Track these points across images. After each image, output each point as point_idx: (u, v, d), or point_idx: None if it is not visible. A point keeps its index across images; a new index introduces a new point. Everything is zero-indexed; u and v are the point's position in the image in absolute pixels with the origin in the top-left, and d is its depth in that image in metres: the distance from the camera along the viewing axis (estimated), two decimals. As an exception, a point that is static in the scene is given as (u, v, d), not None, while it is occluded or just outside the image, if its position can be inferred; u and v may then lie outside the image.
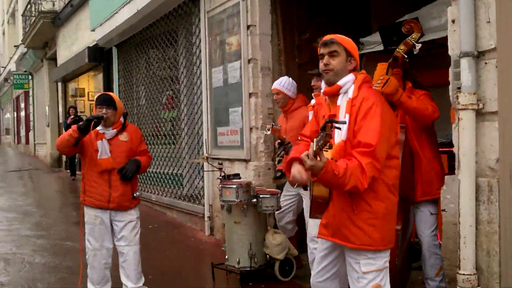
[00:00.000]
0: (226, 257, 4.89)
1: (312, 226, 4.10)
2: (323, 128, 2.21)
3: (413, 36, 3.55)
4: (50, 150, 18.39)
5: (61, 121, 16.72)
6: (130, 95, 10.55)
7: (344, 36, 2.76)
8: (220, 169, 5.16)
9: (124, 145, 4.02)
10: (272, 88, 5.00)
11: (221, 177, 5.07)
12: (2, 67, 30.75)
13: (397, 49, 3.57)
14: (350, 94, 2.64)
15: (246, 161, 5.95)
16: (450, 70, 3.30)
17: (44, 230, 7.48)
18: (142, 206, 4.18)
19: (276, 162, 3.71)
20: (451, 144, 3.39)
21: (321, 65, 2.73)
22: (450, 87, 3.29)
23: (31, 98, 23.20)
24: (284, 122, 4.86)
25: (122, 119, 4.07)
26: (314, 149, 2.28)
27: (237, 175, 5.18)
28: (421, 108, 3.50)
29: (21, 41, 20.03)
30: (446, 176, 3.40)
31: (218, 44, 6.51)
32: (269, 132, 4.59)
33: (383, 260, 2.63)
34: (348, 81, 2.67)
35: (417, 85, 3.80)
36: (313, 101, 4.35)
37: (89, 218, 4.03)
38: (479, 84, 3.15)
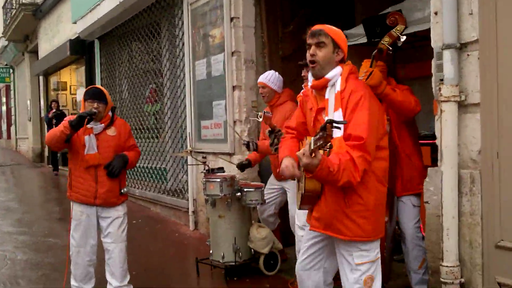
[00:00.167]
0: (211, 251, 4.86)
1: (301, 215, 4.08)
2: (323, 128, 2.18)
3: (398, 28, 3.53)
4: (32, 145, 18.17)
5: (43, 115, 16.50)
6: (113, 88, 10.42)
7: (332, 27, 2.75)
8: (204, 163, 5.12)
9: (112, 140, 3.95)
10: (258, 81, 4.95)
11: (205, 171, 5.03)
12: (-18, 60, 30.28)
13: (382, 41, 3.55)
14: (338, 86, 2.63)
15: (230, 154, 5.91)
16: (433, 62, 3.30)
17: (26, 227, 7.39)
18: (126, 201, 4.13)
19: (273, 151, 3.70)
20: (434, 137, 3.39)
21: (307, 55, 2.72)
22: (433, 79, 3.29)
23: (12, 92, 22.87)
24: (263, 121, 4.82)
25: (110, 113, 4.00)
26: (312, 147, 2.27)
27: (221, 169, 5.14)
28: (406, 101, 3.51)
29: (2, 34, 19.69)
30: (429, 168, 3.40)
31: (202, 37, 6.45)
32: (260, 119, 4.57)
33: (375, 251, 2.67)
34: (336, 74, 2.66)
35: (398, 81, 3.81)
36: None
37: (75, 214, 3.96)
38: (462, 76, 3.16)
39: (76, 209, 3.95)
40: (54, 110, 13.08)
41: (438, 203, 3.23)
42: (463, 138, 3.15)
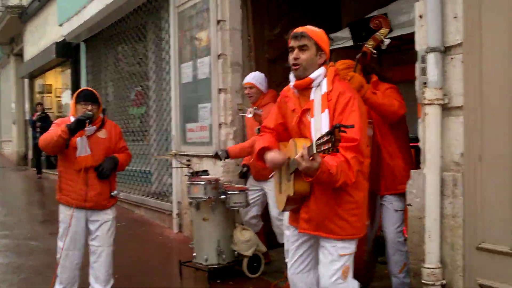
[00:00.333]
0: (194, 254, 4.83)
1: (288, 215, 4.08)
2: (331, 132, 2.16)
3: (382, 32, 3.56)
4: (16, 148, 17.95)
5: (27, 118, 16.33)
6: (99, 91, 10.21)
7: (315, 29, 2.75)
8: (188, 165, 5.10)
9: (103, 142, 3.90)
10: (244, 82, 4.94)
11: (189, 174, 5.00)
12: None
13: (366, 45, 3.58)
14: (325, 88, 2.64)
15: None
16: (417, 66, 3.31)
17: (8, 230, 7.27)
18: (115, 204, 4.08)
19: None
20: (417, 139, 3.40)
21: (290, 58, 2.71)
22: (416, 82, 3.31)
23: (-3, 95, 22.62)
24: (252, 117, 4.81)
25: (101, 115, 3.95)
26: (315, 151, 2.25)
27: (205, 172, 5.12)
28: (387, 103, 3.47)
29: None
30: (411, 171, 3.40)
31: (188, 40, 6.43)
32: (250, 115, 4.57)
33: (354, 244, 2.73)
34: (319, 74, 2.66)
35: (383, 78, 3.79)
36: None
37: (64, 217, 3.89)
38: (445, 79, 3.17)
39: (65, 212, 3.88)
40: (38, 113, 12.96)
41: (421, 205, 3.24)
42: (446, 141, 3.16)
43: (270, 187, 4.59)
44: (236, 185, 5.11)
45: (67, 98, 13.01)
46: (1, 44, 18.71)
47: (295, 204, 2.74)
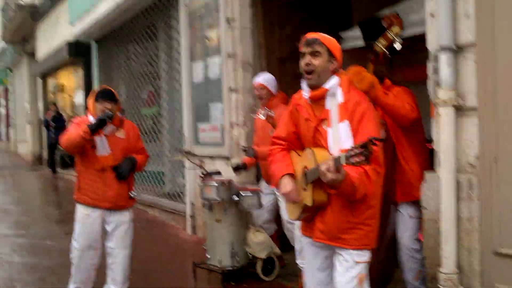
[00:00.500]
0: (208, 256, 4.82)
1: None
2: (364, 145, 2.12)
3: (393, 30, 3.47)
4: (31, 148, 18.10)
5: (41, 117, 16.48)
6: (111, 91, 10.39)
7: (327, 36, 2.72)
8: (201, 166, 5.08)
9: (121, 142, 3.88)
10: (256, 83, 4.88)
11: (202, 175, 4.98)
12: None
13: (377, 43, 3.49)
14: (340, 97, 2.60)
15: (227, 158, 5.86)
16: (429, 65, 3.25)
17: (24, 229, 7.36)
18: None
19: None
20: (431, 141, 3.34)
21: (302, 64, 2.67)
22: (429, 82, 3.25)
23: (10, 94, 22.85)
24: (265, 119, 4.78)
25: (119, 115, 3.93)
26: (343, 163, 2.21)
27: (218, 173, 5.11)
28: (397, 105, 3.36)
29: (1, 36, 19.68)
30: (426, 173, 3.33)
31: (198, 39, 6.40)
32: (263, 118, 4.54)
33: (369, 253, 2.68)
34: (334, 84, 2.63)
35: (393, 82, 3.71)
36: None
37: (80, 216, 3.88)
38: (458, 79, 3.11)
39: (82, 212, 3.87)
40: (53, 113, 13.06)
41: (436, 208, 3.19)
42: (460, 142, 3.11)
43: None
44: (250, 187, 5.07)
45: (80, 97, 13.06)
46: (14, 44, 18.85)
47: (309, 213, 2.71)
